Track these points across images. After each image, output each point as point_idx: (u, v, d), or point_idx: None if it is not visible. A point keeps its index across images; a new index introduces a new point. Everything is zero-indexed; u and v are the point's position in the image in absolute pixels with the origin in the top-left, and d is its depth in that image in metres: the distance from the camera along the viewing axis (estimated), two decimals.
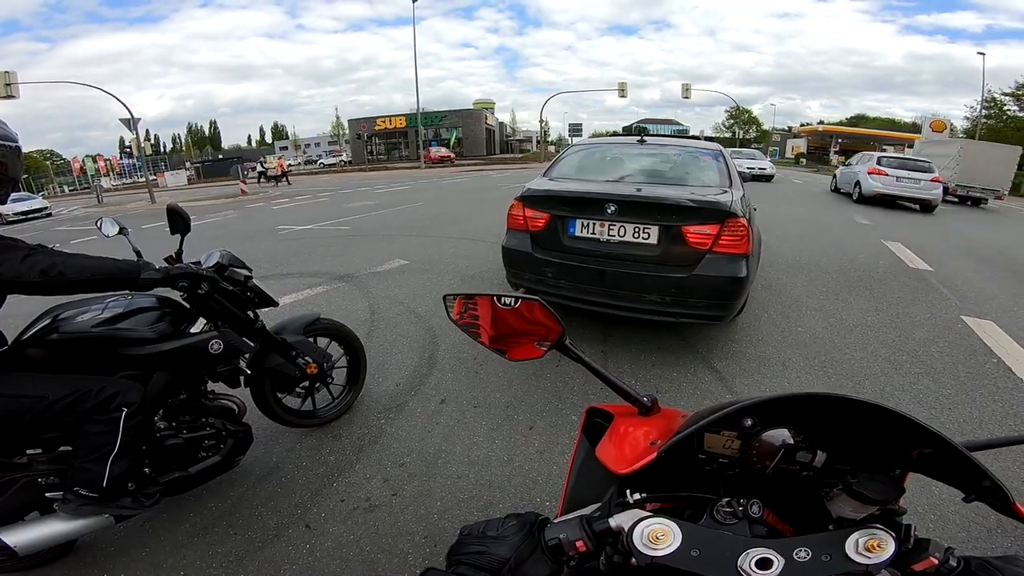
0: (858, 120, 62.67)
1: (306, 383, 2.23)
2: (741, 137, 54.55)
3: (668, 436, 0.59)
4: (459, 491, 2.00)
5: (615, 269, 2.99)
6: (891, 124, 57.07)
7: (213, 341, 1.70)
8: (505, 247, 3.42)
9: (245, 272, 1.87)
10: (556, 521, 0.58)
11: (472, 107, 54.94)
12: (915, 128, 37.70)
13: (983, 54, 29.98)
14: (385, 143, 46.92)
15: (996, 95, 32.46)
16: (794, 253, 5.94)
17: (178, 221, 1.80)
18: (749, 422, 0.59)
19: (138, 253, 1.76)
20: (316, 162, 52.96)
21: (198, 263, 1.77)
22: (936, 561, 0.51)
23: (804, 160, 43.14)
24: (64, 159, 59.46)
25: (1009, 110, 32.44)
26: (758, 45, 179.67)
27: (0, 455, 1.45)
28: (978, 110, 32.72)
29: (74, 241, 9.47)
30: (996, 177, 14.03)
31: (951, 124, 32.61)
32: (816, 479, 0.60)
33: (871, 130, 49.28)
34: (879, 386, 2.83)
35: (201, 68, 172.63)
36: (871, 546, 0.50)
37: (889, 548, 0.50)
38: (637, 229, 2.95)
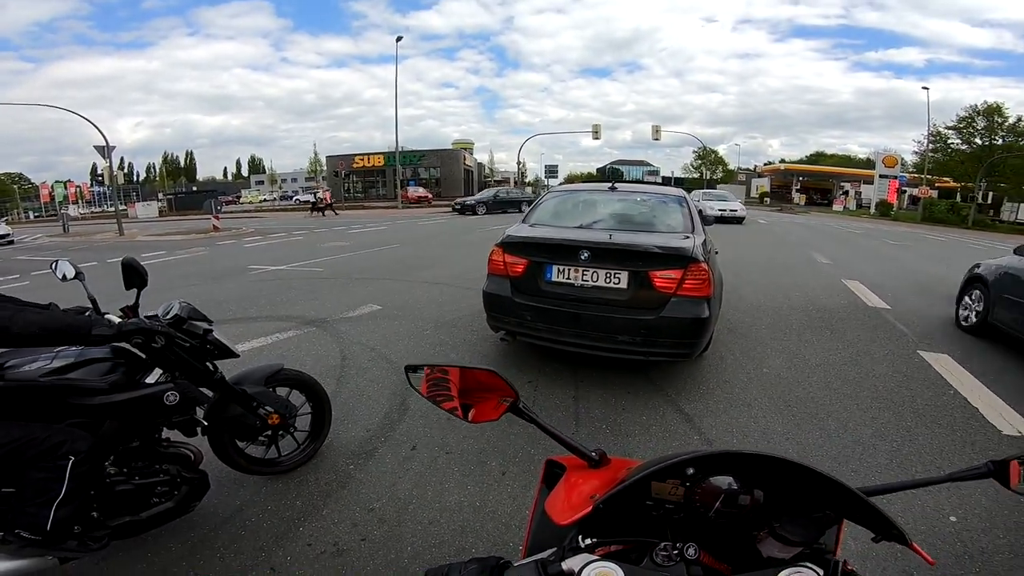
0: (817, 158, 66.47)
1: (268, 432, 2.21)
2: (708, 177, 56.95)
3: (609, 488, 0.63)
4: (430, 536, 1.98)
5: (589, 312, 3.16)
6: (847, 160, 60.45)
7: (168, 392, 1.70)
8: (486, 291, 3.54)
9: (204, 325, 1.87)
10: (515, 564, 0.61)
11: (451, 147, 56.12)
12: (869, 164, 39.94)
13: (927, 88, 32.26)
14: (363, 181, 47.18)
15: (940, 129, 34.29)
16: (757, 296, 6.15)
17: (134, 276, 1.80)
18: (691, 471, 0.64)
19: (93, 301, 1.75)
20: (291, 198, 52.95)
21: (154, 316, 1.78)
22: None
23: (768, 199, 45.22)
24: (32, 183, 57.37)
25: (952, 143, 34.27)
26: (722, 85, 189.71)
27: None
28: (925, 144, 34.48)
29: (35, 272, 9.07)
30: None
31: (901, 158, 34.67)
32: (750, 522, 0.65)
33: (829, 167, 52.26)
34: (842, 421, 2.92)
35: (182, 97, 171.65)
36: None
37: None
38: (609, 274, 3.15)
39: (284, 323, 4.86)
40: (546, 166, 44.80)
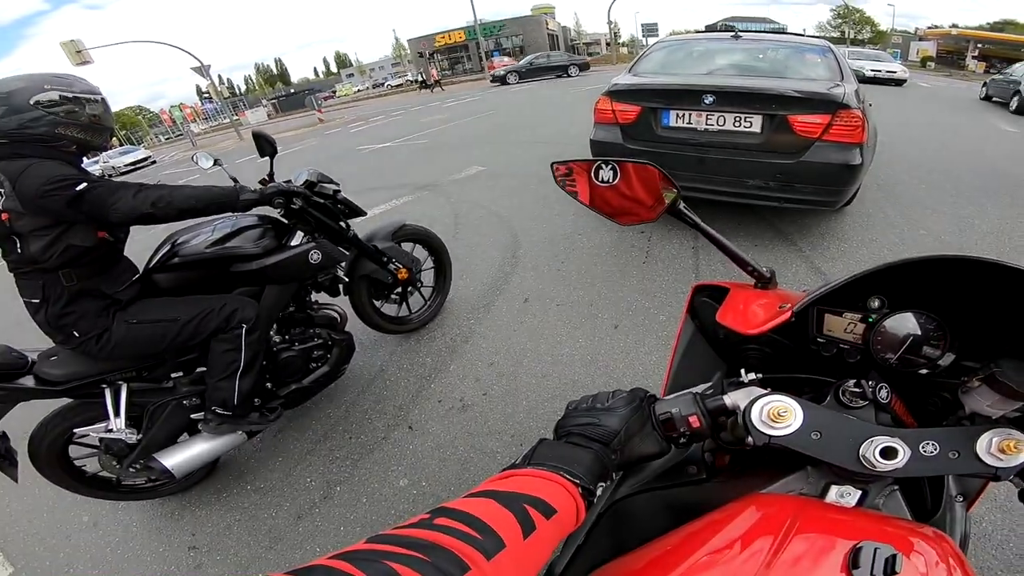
0: (1003, 25, 51.03)
1: (399, 289, 2.33)
2: (852, 37, 46.72)
3: (797, 300, 0.55)
4: (543, 390, 2.08)
5: (715, 156, 2.95)
6: None
7: (312, 251, 1.81)
8: (594, 140, 3.39)
9: (333, 186, 1.95)
10: (667, 398, 0.55)
11: (531, 13, 51.12)
12: None
13: None
14: (447, 58, 45.38)
15: None
16: (919, 155, 5.19)
17: (265, 145, 1.87)
18: (877, 303, 0.55)
19: (234, 180, 1.86)
20: (384, 84, 52.89)
21: (289, 182, 1.86)
22: None
23: (932, 64, 36.47)
24: (152, 112, 63.77)
25: None
26: None
27: (151, 381, 1.62)
28: None
29: (182, 180, 10.26)
30: None
31: None
32: (948, 374, 0.55)
33: (1020, 36, 40.07)
34: None
35: (262, 5, 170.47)
36: (1005, 447, 0.44)
37: None
38: (738, 118, 2.89)
39: (398, 190, 5.09)
40: (643, 24, 39.17)
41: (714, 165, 2.97)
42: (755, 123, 2.85)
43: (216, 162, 2.05)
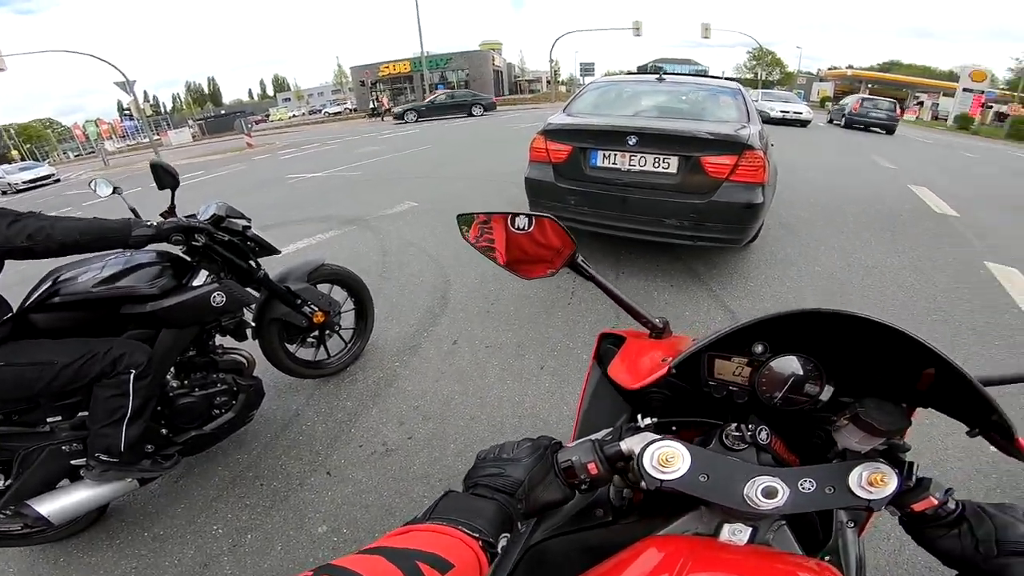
0: (891, 66, 58.83)
1: (315, 332, 2.22)
2: (764, 79, 51.71)
3: (679, 354, 0.59)
4: (471, 433, 2.03)
5: (636, 196, 3.14)
6: (926, 72, 53.49)
7: (215, 293, 1.68)
8: (528, 178, 3.54)
9: (243, 222, 1.84)
10: (569, 445, 0.58)
11: (479, 48, 52.45)
12: (951, 77, 35.43)
13: None
14: (391, 89, 45.29)
15: None
16: (814, 194, 5.75)
17: (164, 176, 1.74)
18: (760, 348, 0.59)
19: (134, 211, 1.74)
20: (320, 112, 51.68)
21: (193, 216, 1.75)
22: (936, 501, 0.52)
23: (830, 104, 41.08)
24: (64, 126, 58.66)
25: None
26: None
27: (23, 425, 1.46)
28: None
29: (85, 203, 9.44)
30: None
31: (992, 74, 30.46)
32: (822, 412, 0.59)
33: (904, 77, 46.34)
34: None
35: (200, 21, 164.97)
36: (874, 480, 0.49)
37: (892, 483, 0.49)
38: (657, 159, 3.08)
39: (325, 223, 4.93)
40: (581, 64, 41.43)
41: (636, 204, 3.15)
42: (672, 164, 3.06)
43: (115, 190, 1.88)
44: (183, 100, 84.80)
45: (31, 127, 59.36)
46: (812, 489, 0.49)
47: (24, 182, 16.90)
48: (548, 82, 40.38)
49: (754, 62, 56.38)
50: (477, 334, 2.76)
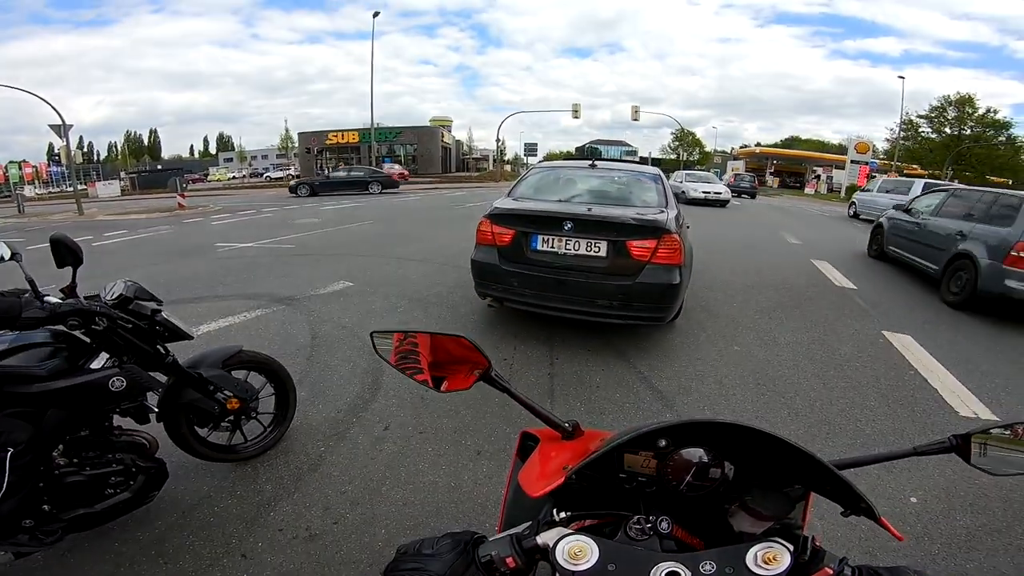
0: (791, 142, 67.56)
1: (230, 417, 2.15)
2: (685, 159, 57.39)
3: (581, 459, 0.62)
4: (404, 517, 1.97)
5: (572, 279, 3.41)
6: (821, 146, 61.66)
7: (114, 378, 1.61)
8: (474, 260, 3.75)
9: (152, 305, 1.78)
10: (490, 540, 0.60)
11: (429, 123, 54.84)
12: (842, 149, 41.12)
13: (903, 77, 32.90)
14: (336, 158, 45.79)
15: (912, 117, 36.34)
16: (731, 275, 6.23)
17: (66, 254, 1.67)
18: (663, 443, 0.63)
19: (31, 283, 1.63)
20: (262, 175, 50.96)
21: (95, 297, 1.69)
22: (831, 571, 0.55)
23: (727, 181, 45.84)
24: None
25: (923, 132, 36.25)
26: (702, 69, 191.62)
27: None
28: (897, 132, 36.14)
29: None
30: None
31: (873, 145, 35.67)
32: (722, 496, 0.64)
33: (803, 152, 53.25)
34: (809, 400, 2.99)
35: (147, 74, 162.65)
36: (768, 558, 0.53)
37: (785, 560, 0.53)
38: (590, 244, 3.39)
39: (252, 301, 4.70)
40: (525, 144, 44.53)
41: (571, 286, 3.40)
42: (602, 248, 3.36)
43: (14, 255, 1.72)
44: (120, 150, 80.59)
45: None
46: (713, 570, 0.53)
47: None
48: (495, 161, 42.66)
49: (676, 143, 62.74)
50: (410, 420, 2.67)
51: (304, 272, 6.00)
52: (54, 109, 16.39)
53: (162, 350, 1.83)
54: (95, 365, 1.62)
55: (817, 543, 0.57)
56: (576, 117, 31.93)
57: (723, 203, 17.81)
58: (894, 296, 5.65)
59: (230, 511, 1.99)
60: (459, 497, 2.08)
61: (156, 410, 1.90)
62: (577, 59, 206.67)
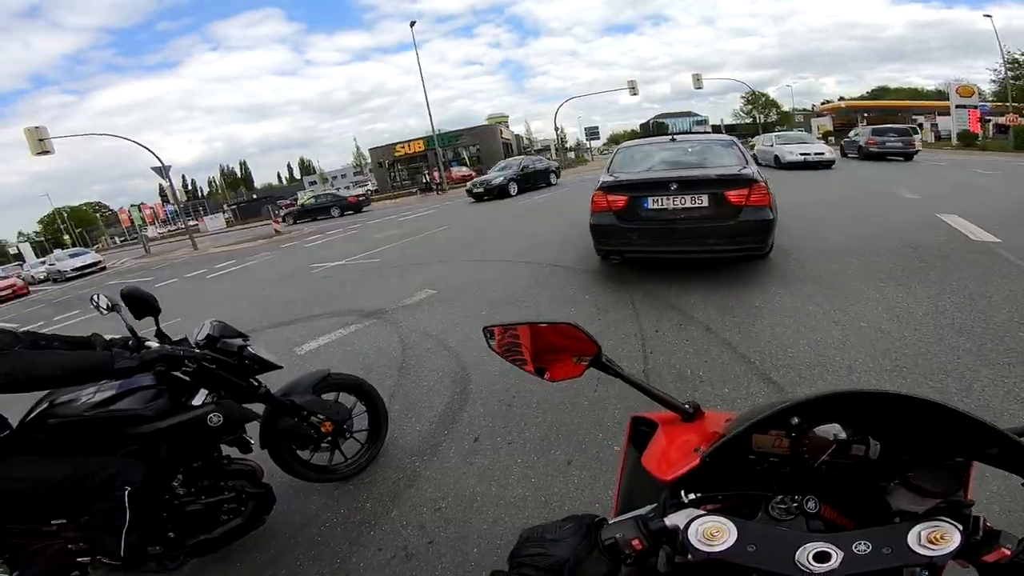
0: (880, 93, 59.63)
1: (327, 439, 2.24)
2: (763, 122, 52.74)
3: (711, 441, 0.60)
4: (495, 536, 1.92)
5: (682, 227, 4.24)
6: (915, 93, 54.09)
7: (211, 415, 1.70)
8: (594, 224, 4.62)
9: (239, 341, 1.86)
10: (612, 522, 0.58)
11: (486, 122, 55.46)
12: (940, 96, 35.94)
13: (989, 16, 28.63)
14: (407, 168, 47.74)
15: (1017, 56, 31.81)
16: (842, 239, 5.52)
17: (142, 307, 1.78)
18: (796, 420, 0.58)
19: (131, 330, 1.78)
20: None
21: (183, 340, 1.81)
22: (1008, 552, 0.51)
23: (832, 139, 41.45)
24: (111, 210, 61.93)
25: None
26: (758, 28, 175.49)
27: (29, 523, 1.52)
28: (1004, 72, 31.71)
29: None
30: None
31: (977, 87, 30.92)
32: (874, 472, 0.59)
33: (896, 101, 46.85)
34: (965, 382, 2.52)
35: (221, 110, 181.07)
36: (934, 538, 0.49)
37: (954, 540, 0.49)
38: (694, 198, 4.17)
39: (346, 318, 4.95)
40: (586, 128, 43.61)
41: (682, 233, 4.25)
42: (705, 199, 4.15)
43: (113, 307, 1.90)
44: (218, 184, 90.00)
45: (81, 210, 62.19)
46: (868, 551, 0.49)
47: (73, 269, 17.84)
48: (556, 150, 42.20)
49: (749, 106, 57.86)
50: (499, 430, 2.63)
51: (390, 284, 6.23)
52: (151, 152, 18.52)
53: (255, 382, 1.91)
54: (196, 402, 1.72)
55: (988, 525, 0.53)
56: (634, 94, 30.68)
57: (828, 164, 14.95)
58: None
59: (335, 530, 2.06)
60: (550, 512, 2.00)
61: (252, 440, 2.00)
62: (621, 36, 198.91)
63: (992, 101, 32.80)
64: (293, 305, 6.00)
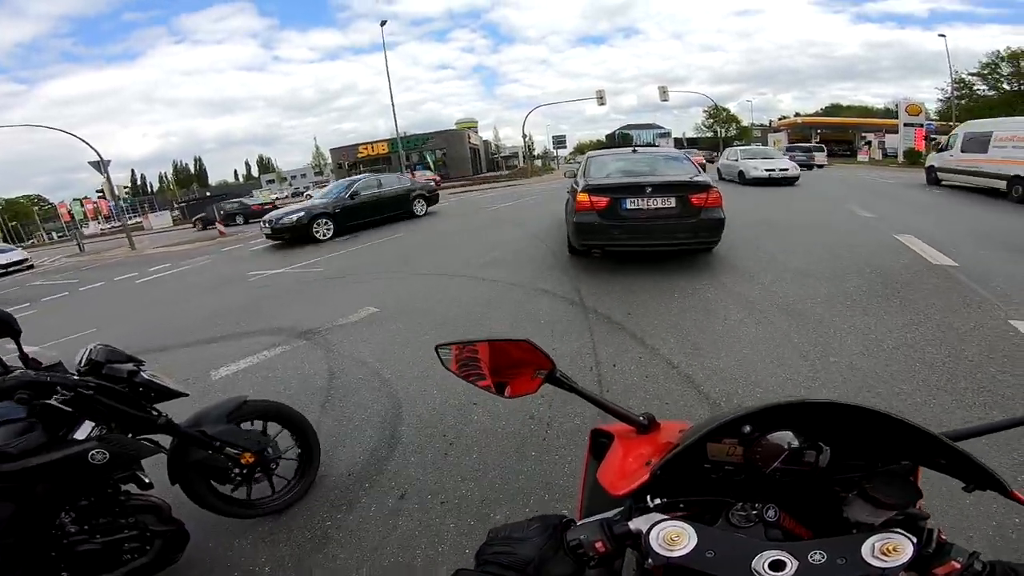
0: (833, 109, 63.00)
1: (254, 470, 2.03)
2: (723, 136, 54.57)
3: (664, 453, 0.59)
4: None
5: (655, 224, 5.07)
6: (865, 111, 57.53)
7: (94, 451, 1.48)
8: (577, 221, 5.24)
9: (129, 367, 1.64)
10: (579, 523, 0.58)
11: (455, 127, 54.94)
12: (889, 114, 38.23)
13: (943, 36, 30.71)
14: (369, 170, 46.57)
15: (964, 76, 34.28)
16: (804, 262, 5.41)
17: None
18: (748, 429, 0.58)
19: None
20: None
21: (57, 365, 1.60)
22: (959, 565, 0.51)
23: (787, 154, 43.23)
24: (51, 204, 57.44)
25: (979, 90, 34.30)
26: (724, 44, 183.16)
27: None
28: (950, 92, 34.09)
29: (44, 299, 9.15)
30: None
31: (924, 106, 32.96)
32: (828, 480, 0.60)
33: (848, 119, 49.58)
34: (944, 425, 2.20)
35: (184, 104, 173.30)
36: (887, 550, 0.49)
37: (907, 552, 0.49)
38: (664, 199, 5.04)
39: (274, 337, 4.42)
40: (553, 137, 43.67)
41: (655, 229, 5.08)
42: (673, 201, 5.05)
43: None
44: (169, 180, 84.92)
45: (17, 203, 56.87)
46: (823, 561, 0.49)
47: None
48: (524, 157, 42.23)
49: (711, 120, 59.79)
50: (430, 485, 2.25)
51: (330, 298, 5.71)
52: (89, 146, 17.28)
53: (154, 412, 1.70)
54: (79, 435, 1.50)
55: (943, 537, 0.53)
56: (602, 104, 30.78)
57: (792, 180, 14.33)
58: (1006, 272, 4.63)
59: None
60: None
61: (146, 479, 1.76)
62: (593, 47, 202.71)
63: (937, 120, 35.09)
64: (219, 318, 5.39)
